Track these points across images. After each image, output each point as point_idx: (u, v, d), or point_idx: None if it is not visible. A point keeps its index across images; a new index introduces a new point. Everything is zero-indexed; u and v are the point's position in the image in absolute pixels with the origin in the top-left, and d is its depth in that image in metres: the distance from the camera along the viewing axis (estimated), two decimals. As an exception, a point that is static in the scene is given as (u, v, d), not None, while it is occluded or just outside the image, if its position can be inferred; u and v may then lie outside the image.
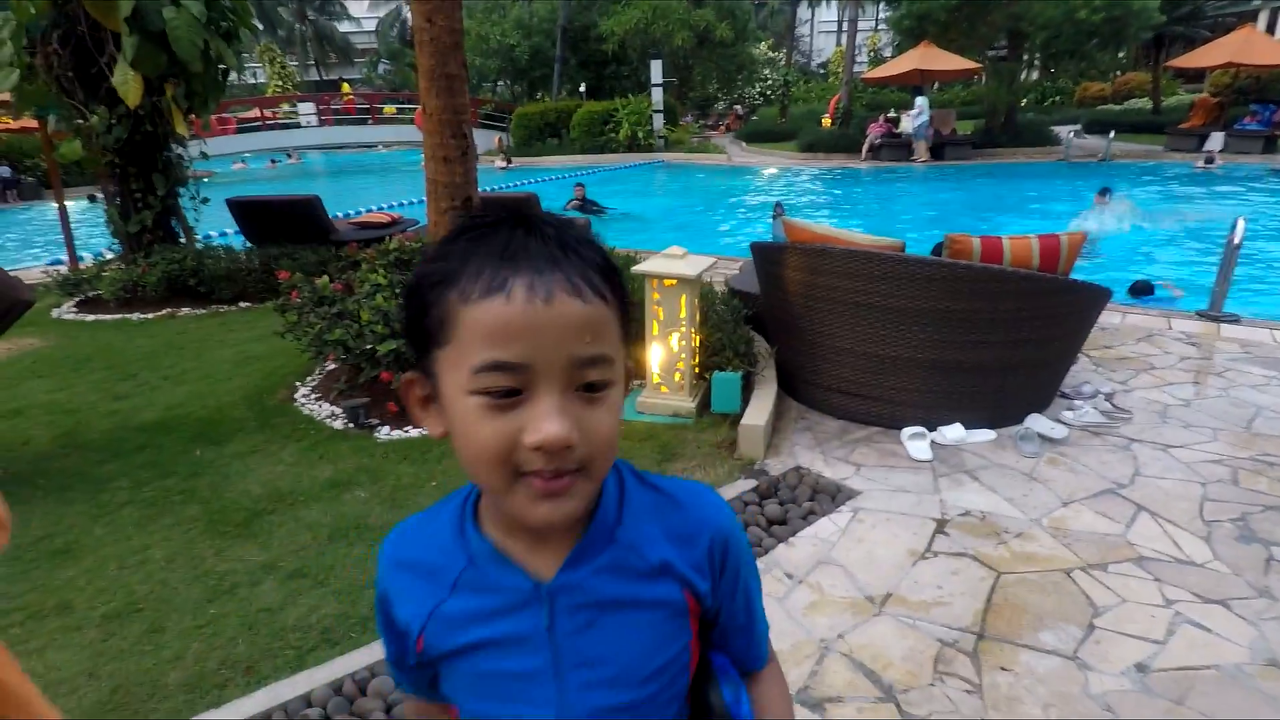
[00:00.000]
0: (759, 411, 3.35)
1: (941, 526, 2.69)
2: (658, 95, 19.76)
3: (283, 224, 6.83)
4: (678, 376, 3.59)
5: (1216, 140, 15.42)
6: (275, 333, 4.24)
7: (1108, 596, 2.28)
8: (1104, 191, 9.85)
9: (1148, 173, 14.36)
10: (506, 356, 0.55)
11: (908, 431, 3.33)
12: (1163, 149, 16.52)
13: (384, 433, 3.58)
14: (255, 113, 24.17)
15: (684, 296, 3.44)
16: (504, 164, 19.48)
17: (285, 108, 25.78)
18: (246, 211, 6.95)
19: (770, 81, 29.70)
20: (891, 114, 18.38)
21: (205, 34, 5.79)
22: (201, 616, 2.30)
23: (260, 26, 39.59)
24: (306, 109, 24.43)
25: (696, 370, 3.69)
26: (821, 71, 39.09)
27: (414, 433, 3.55)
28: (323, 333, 3.78)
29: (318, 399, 4.02)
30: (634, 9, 21.15)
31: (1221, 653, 2.03)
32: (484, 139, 22.81)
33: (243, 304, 6.31)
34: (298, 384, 4.27)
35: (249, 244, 7.02)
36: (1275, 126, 15.38)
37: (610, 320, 0.59)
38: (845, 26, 21.77)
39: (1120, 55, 23.02)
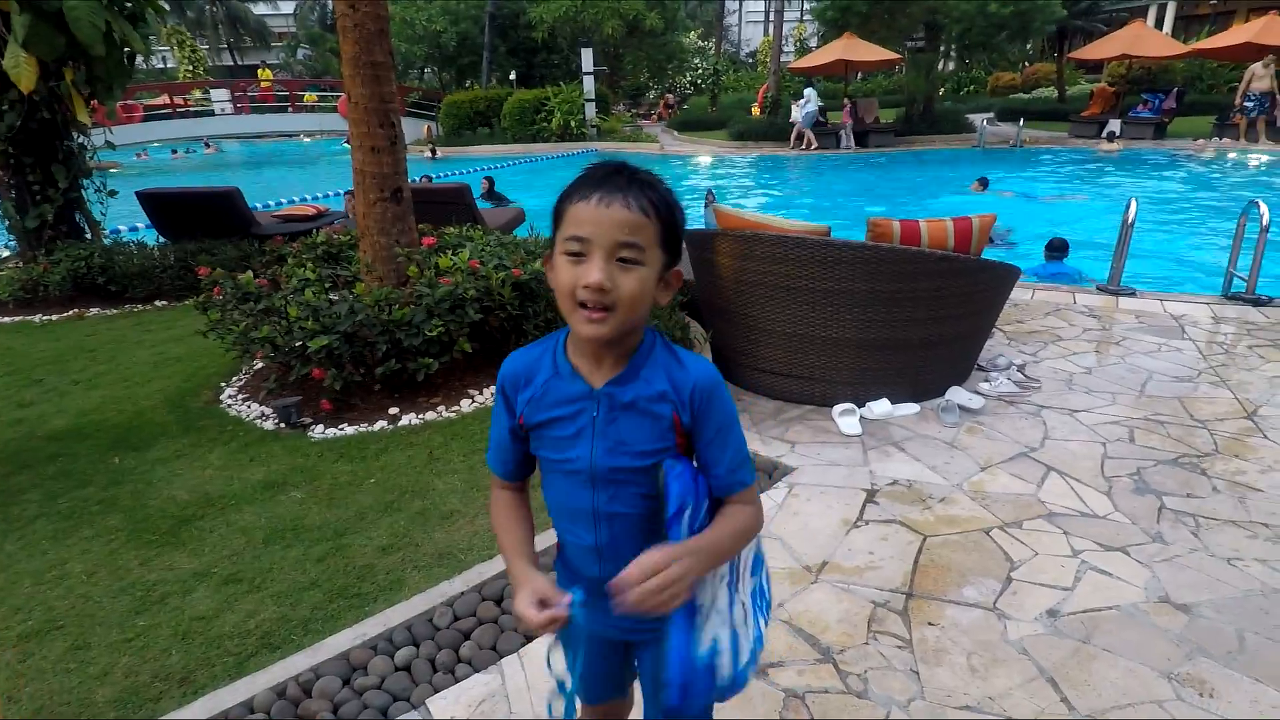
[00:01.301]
0: (696, 394, 3.41)
1: (872, 496, 2.82)
2: (589, 84, 19.65)
3: (200, 218, 6.54)
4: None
5: (1114, 127, 16.41)
6: (197, 332, 4.08)
7: (1022, 551, 2.45)
8: (982, 181, 10.35)
9: (1056, 156, 15.15)
10: (579, 232, 0.96)
11: (838, 408, 3.47)
12: (1068, 135, 17.47)
13: (318, 431, 3.50)
14: (164, 100, 22.90)
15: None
16: (432, 154, 19.05)
17: (198, 94, 24.50)
18: (160, 205, 6.63)
19: (700, 71, 29.90)
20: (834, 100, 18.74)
21: (108, 15, 5.46)
22: (129, 629, 2.22)
23: (167, 7, 37.48)
24: (220, 96, 23.30)
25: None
26: (750, 61, 39.54)
27: (350, 430, 3.49)
28: (248, 330, 3.66)
29: (245, 400, 3.90)
30: (562, -4, 20.95)
31: (1121, 594, 2.22)
32: (412, 128, 22.25)
33: (159, 303, 6.04)
34: (223, 385, 4.13)
35: (163, 239, 6.70)
36: (1164, 114, 16.47)
37: (646, 226, 0.97)
38: (772, 17, 22.06)
39: (1028, 47, 24.14)
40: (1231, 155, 14.01)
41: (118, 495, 3.00)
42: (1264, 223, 4.76)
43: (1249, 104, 14.68)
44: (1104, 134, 15.48)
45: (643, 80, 28.54)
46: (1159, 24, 25.11)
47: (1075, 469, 2.97)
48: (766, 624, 1.23)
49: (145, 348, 4.86)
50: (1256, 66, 14.57)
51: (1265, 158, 13.55)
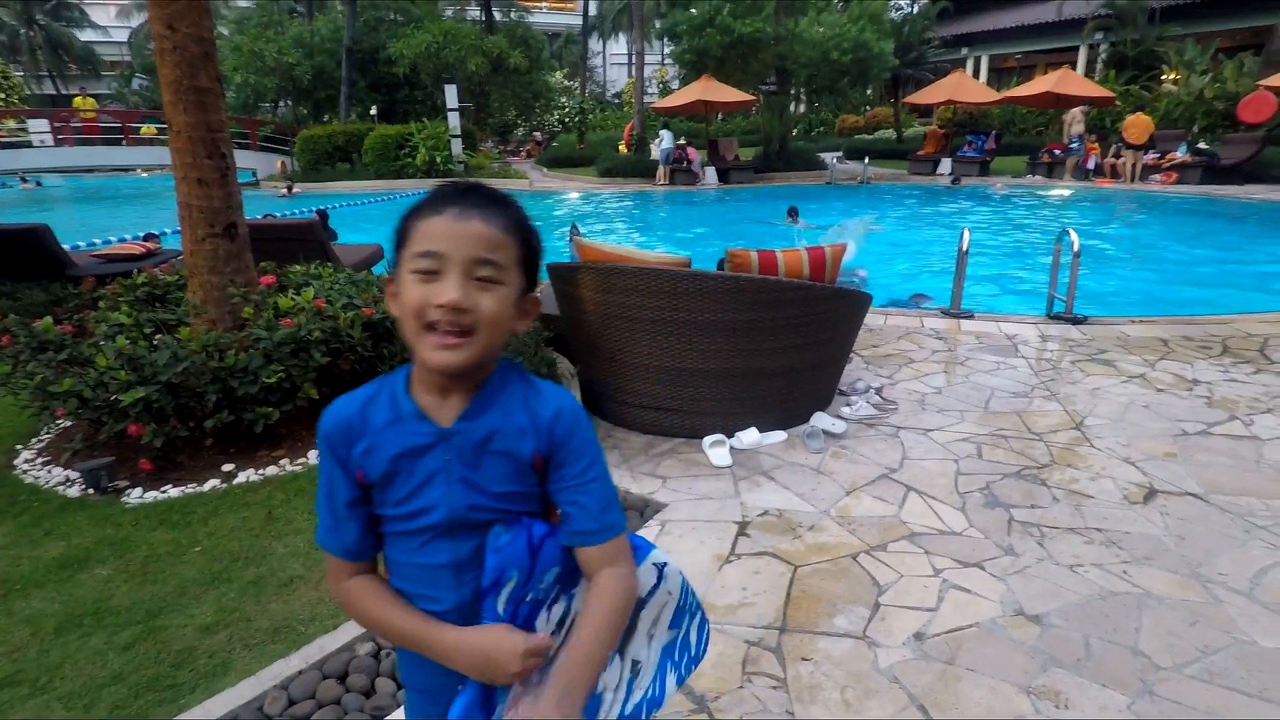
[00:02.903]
0: (565, 432, 3.29)
1: (743, 529, 2.79)
2: (454, 120, 19.33)
3: (0, 258, 5.73)
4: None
5: (946, 165, 18.10)
6: (-17, 389, 3.50)
7: (888, 574, 2.48)
8: (792, 211, 11.21)
9: (903, 192, 16.44)
10: (431, 247, 0.89)
11: (708, 440, 3.45)
12: (906, 172, 19.09)
13: (135, 496, 3.06)
14: (-33, 130, 20.34)
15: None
16: (288, 190, 17.99)
17: (11, 124, 21.92)
18: (-54, 246, 5.74)
19: (567, 109, 30.27)
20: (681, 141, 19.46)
21: None
22: None
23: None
24: (39, 126, 20.94)
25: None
26: (616, 101, 40.56)
27: (174, 492, 3.08)
28: (46, 383, 3.17)
29: (46, 464, 3.37)
30: (424, 32, 20.56)
31: (980, 610, 2.28)
32: (266, 163, 21.00)
33: (-58, 358, 5.19)
34: (18, 447, 3.56)
35: (-50, 284, 5.80)
36: (987, 153, 18.35)
37: (506, 244, 0.92)
38: (634, 59, 22.76)
39: (868, 92, 26.27)
40: (1042, 191, 15.75)
41: None
42: (1075, 249, 5.29)
43: (1074, 144, 16.61)
44: (949, 179, 17.09)
45: (510, 117, 28.47)
46: (976, 74, 28.08)
47: (932, 487, 3.08)
48: (681, 682, 1.14)
49: (-81, 410, 4.13)
50: (1075, 112, 16.56)
51: (1067, 192, 15.35)
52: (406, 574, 1.01)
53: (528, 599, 0.97)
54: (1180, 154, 15.31)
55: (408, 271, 0.91)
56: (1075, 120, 16.60)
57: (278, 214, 10.04)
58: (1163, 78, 20.12)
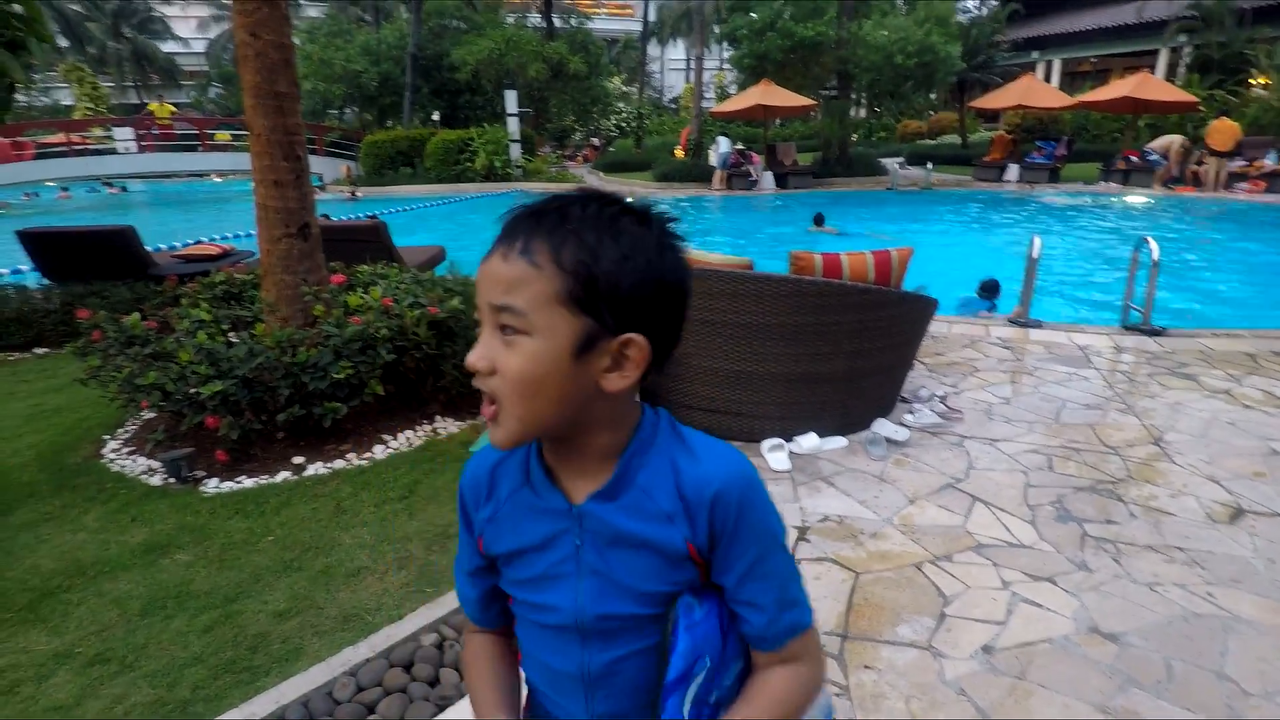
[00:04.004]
0: (623, 434, 3.30)
1: (803, 534, 2.76)
2: (514, 125, 19.67)
3: (89, 258, 6.07)
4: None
5: (1013, 172, 17.52)
6: (75, 380, 3.72)
7: (954, 585, 2.41)
8: (818, 218, 10.99)
9: (973, 198, 15.99)
10: (477, 299, 0.73)
11: (767, 444, 3.41)
12: (971, 178, 18.55)
13: (211, 485, 3.20)
14: (61, 137, 21.61)
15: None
16: (352, 194, 18.58)
17: (98, 132, 23.23)
18: (42, 245, 6.13)
19: (625, 115, 30.47)
20: (740, 146, 19.44)
21: (-18, 42, 5.07)
22: (-32, 725, 1.92)
23: (66, 42, 35.74)
24: (124, 134, 22.12)
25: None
26: (673, 106, 40.64)
27: (248, 483, 3.21)
28: (133, 377, 3.35)
29: (131, 453, 3.55)
30: (486, 39, 21.01)
31: (1052, 626, 2.20)
32: (331, 168, 21.72)
33: (39, 350, 5.53)
34: (106, 438, 3.76)
35: (46, 281, 6.19)
36: (1057, 160, 17.68)
37: (530, 280, 0.69)
38: (693, 64, 22.77)
39: (932, 96, 25.66)
40: (1118, 199, 15.10)
41: (-32, 567, 2.64)
42: (1154, 257, 5.05)
43: (1151, 157, 15.86)
44: (1024, 184, 16.62)
45: (568, 122, 28.83)
46: (1047, 78, 27.17)
47: (1000, 499, 2.99)
48: None
49: (19, 399, 4.41)
50: (1177, 145, 15.62)
51: (1147, 200, 14.67)
52: (536, 670, 0.86)
53: (712, 699, 0.77)
54: (1270, 162, 14.49)
55: None
56: (1174, 150, 15.76)
57: (334, 217, 10.35)
58: (1250, 82, 19.09)
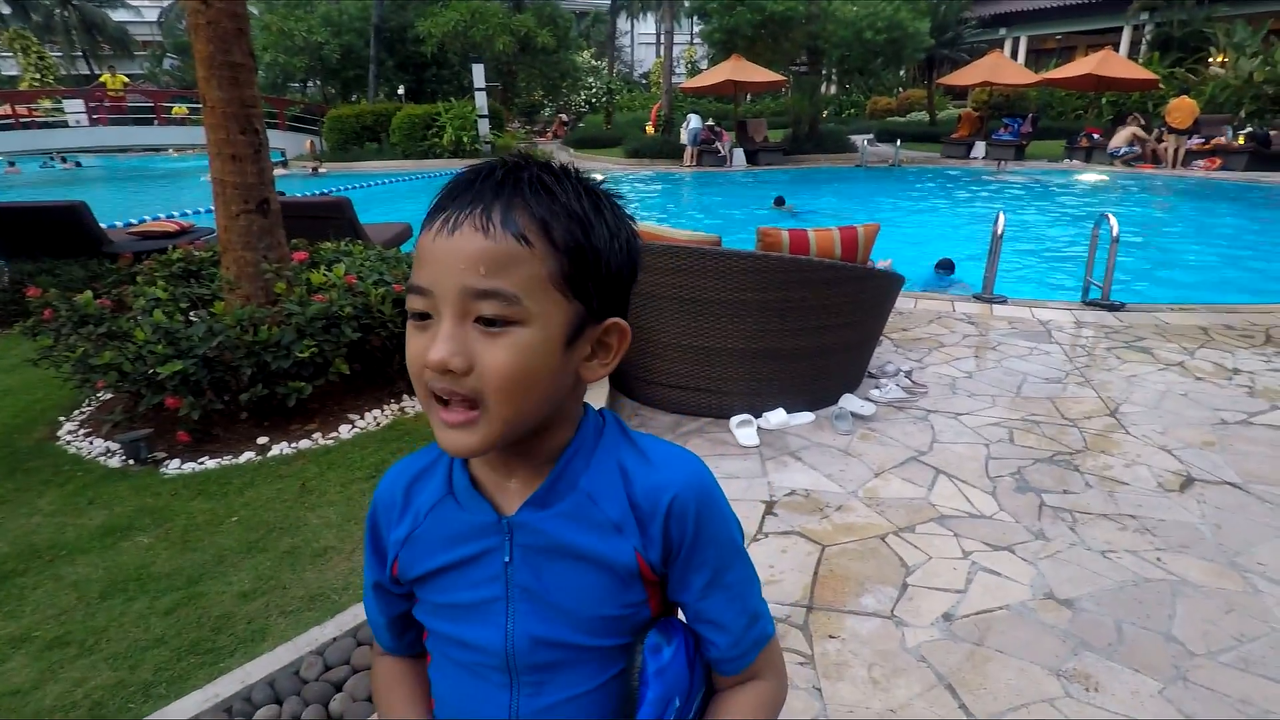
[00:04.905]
0: (592, 411, 3.30)
1: (770, 508, 2.79)
2: (481, 100, 19.32)
3: (40, 235, 5.86)
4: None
5: (980, 149, 17.71)
6: (26, 361, 3.60)
7: (916, 555, 2.47)
8: (779, 200, 11.10)
9: (940, 175, 16.14)
10: (417, 280, 0.60)
11: (735, 420, 3.44)
12: (940, 155, 18.72)
13: (173, 467, 3.14)
14: (7, 109, 20.73)
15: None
16: (315, 170, 18.16)
17: (47, 104, 22.32)
18: (-12, 222, 5.89)
19: (594, 90, 30.09)
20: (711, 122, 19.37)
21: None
22: (-79, 713, 1.87)
23: (8, 9, 34.14)
24: (75, 106, 21.28)
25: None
26: (643, 81, 40.23)
27: (211, 464, 3.15)
28: (87, 356, 3.25)
29: (88, 435, 3.46)
30: (451, 11, 20.52)
31: (1010, 593, 2.26)
32: (294, 143, 21.17)
33: (-12, 330, 5.34)
34: (62, 419, 3.66)
35: (-6, 260, 5.96)
36: (1023, 137, 17.91)
37: (522, 260, 0.58)
38: (662, 39, 22.53)
39: (901, 73, 25.76)
40: (1079, 175, 15.36)
41: (-83, 554, 2.56)
42: (1114, 234, 5.16)
43: (1122, 150, 16.08)
44: (995, 161, 16.81)
45: (537, 98, 28.40)
46: (1014, 55, 27.38)
47: (962, 471, 3.05)
48: None
49: (-33, 381, 4.26)
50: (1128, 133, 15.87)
51: (1105, 177, 14.94)
52: (452, 712, 0.74)
53: None
54: (1227, 139, 14.81)
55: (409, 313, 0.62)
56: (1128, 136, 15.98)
57: (296, 193, 10.10)
58: (1210, 60, 19.45)
